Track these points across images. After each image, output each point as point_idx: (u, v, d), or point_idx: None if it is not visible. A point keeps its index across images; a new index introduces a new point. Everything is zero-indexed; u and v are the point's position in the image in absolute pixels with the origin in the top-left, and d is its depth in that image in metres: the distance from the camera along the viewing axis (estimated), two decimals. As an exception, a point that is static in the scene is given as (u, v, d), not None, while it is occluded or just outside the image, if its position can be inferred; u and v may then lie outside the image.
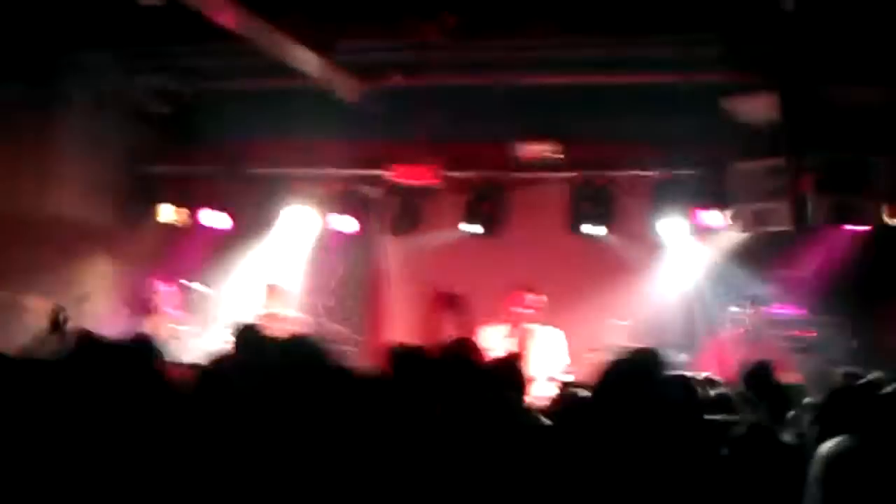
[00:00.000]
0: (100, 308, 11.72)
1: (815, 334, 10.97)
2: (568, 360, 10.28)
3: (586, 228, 12.32)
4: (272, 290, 11.65)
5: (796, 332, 10.84)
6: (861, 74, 10.28)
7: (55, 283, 11.42)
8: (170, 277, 12.02)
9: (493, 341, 10.22)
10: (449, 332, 8.18)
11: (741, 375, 7.00)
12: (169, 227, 13.09)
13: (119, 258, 12.85)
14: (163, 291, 11.62)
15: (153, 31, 10.40)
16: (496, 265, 12.21)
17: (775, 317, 11.00)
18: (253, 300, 11.80)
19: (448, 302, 8.16)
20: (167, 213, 13.01)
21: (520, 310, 10.45)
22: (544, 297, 10.53)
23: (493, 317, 10.54)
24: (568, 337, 10.56)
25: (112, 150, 12.60)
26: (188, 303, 12.06)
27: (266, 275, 12.29)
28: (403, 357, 5.74)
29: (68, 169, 12.03)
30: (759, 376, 6.87)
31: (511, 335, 10.40)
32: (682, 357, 11.06)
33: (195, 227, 13.07)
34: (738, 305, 10.88)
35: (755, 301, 10.70)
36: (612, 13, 10.21)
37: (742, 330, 10.70)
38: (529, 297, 10.44)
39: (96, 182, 12.47)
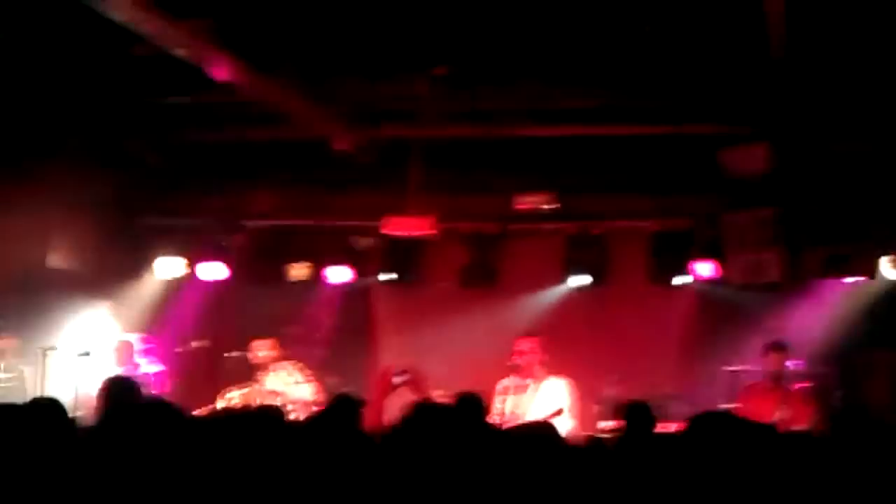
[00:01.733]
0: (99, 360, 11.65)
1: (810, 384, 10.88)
2: (572, 409, 10.05)
3: (581, 279, 12.32)
4: (264, 343, 11.57)
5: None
6: (853, 124, 10.30)
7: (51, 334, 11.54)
8: (159, 330, 12.04)
9: (499, 394, 10.15)
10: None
11: None
12: (166, 278, 13.09)
13: (115, 309, 12.84)
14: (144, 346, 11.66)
15: (145, 82, 10.46)
16: (491, 316, 12.22)
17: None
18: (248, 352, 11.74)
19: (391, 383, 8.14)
20: (165, 265, 13.00)
21: (518, 358, 10.31)
22: (534, 341, 10.36)
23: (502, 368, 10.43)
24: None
25: (106, 199, 12.59)
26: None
27: (258, 325, 12.24)
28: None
29: (62, 218, 12.02)
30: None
31: (514, 386, 10.26)
32: (680, 407, 10.99)
33: (192, 278, 13.07)
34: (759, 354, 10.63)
35: (777, 349, 10.45)
36: (606, 65, 10.26)
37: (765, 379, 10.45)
38: (523, 343, 10.32)
39: (90, 232, 12.45)
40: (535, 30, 9.69)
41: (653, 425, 7.69)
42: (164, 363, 11.77)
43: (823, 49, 9.18)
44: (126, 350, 11.56)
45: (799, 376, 11.06)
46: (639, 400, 8.25)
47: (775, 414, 9.72)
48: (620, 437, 7.41)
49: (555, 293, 12.48)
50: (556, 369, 10.44)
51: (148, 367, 11.50)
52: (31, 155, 11.30)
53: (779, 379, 10.24)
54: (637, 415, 7.66)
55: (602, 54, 10.06)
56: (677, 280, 12.01)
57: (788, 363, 10.48)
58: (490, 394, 10.10)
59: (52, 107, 10.95)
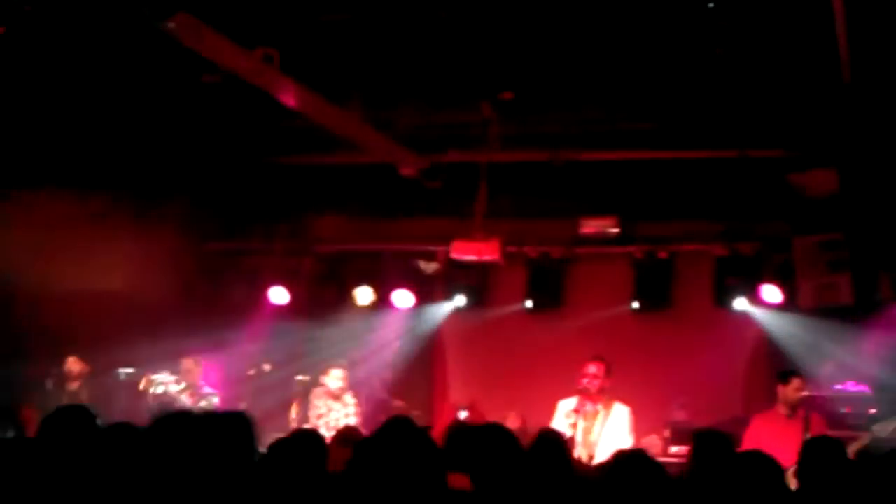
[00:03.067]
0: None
1: (875, 411, 10.69)
2: (631, 439, 9.93)
3: (648, 303, 12.28)
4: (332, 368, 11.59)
5: (853, 409, 10.50)
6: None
7: (122, 358, 11.69)
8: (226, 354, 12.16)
9: (560, 416, 10.07)
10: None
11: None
12: (235, 303, 13.20)
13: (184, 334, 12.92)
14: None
15: (213, 108, 10.59)
16: (557, 340, 12.18)
17: (835, 393, 10.73)
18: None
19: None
20: (241, 291, 13.13)
21: (586, 381, 10.20)
22: (602, 365, 10.24)
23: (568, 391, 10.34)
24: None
25: (176, 226, 12.72)
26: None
27: (325, 349, 12.31)
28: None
29: (132, 244, 12.14)
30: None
31: (576, 410, 10.15)
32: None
33: (259, 303, 13.17)
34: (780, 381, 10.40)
35: (794, 376, 10.21)
36: (672, 89, 10.23)
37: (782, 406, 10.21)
38: (591, 366, 10.22)
39: (160, 258, 12.56)
40: (600, 54, 9.70)
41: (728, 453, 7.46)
42: (225, 388, 11.88)
43: (891, 71, 9.10)
44: (193, 371, 11.67)
45: (867, 402, 10.91)
46: (710, 428, 8.06)
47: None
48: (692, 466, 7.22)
49: (621, 316, 12.40)
50: (622, 393, 10.38)
51: (209, 391, 11.62)
52: (101, 181, 11.46)
53: (798, 406, 9.89)
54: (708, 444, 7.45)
55: (669, 78, 10.05)
56: (743, 304, 11.92)
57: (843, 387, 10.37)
58: (550, 414, 10.05)
59: (124, 134, 11.12)
